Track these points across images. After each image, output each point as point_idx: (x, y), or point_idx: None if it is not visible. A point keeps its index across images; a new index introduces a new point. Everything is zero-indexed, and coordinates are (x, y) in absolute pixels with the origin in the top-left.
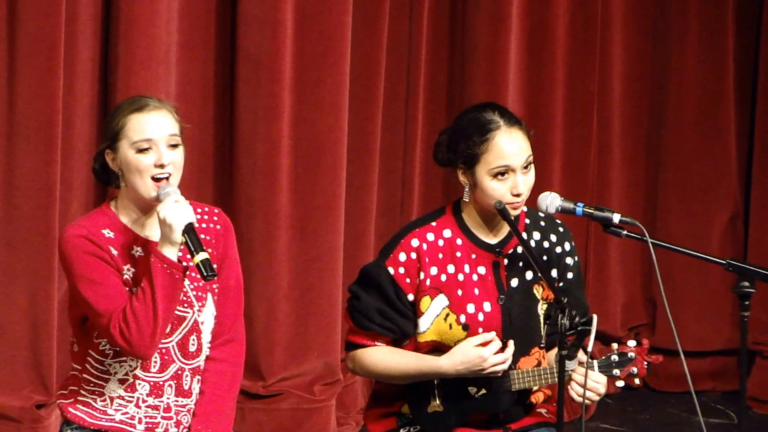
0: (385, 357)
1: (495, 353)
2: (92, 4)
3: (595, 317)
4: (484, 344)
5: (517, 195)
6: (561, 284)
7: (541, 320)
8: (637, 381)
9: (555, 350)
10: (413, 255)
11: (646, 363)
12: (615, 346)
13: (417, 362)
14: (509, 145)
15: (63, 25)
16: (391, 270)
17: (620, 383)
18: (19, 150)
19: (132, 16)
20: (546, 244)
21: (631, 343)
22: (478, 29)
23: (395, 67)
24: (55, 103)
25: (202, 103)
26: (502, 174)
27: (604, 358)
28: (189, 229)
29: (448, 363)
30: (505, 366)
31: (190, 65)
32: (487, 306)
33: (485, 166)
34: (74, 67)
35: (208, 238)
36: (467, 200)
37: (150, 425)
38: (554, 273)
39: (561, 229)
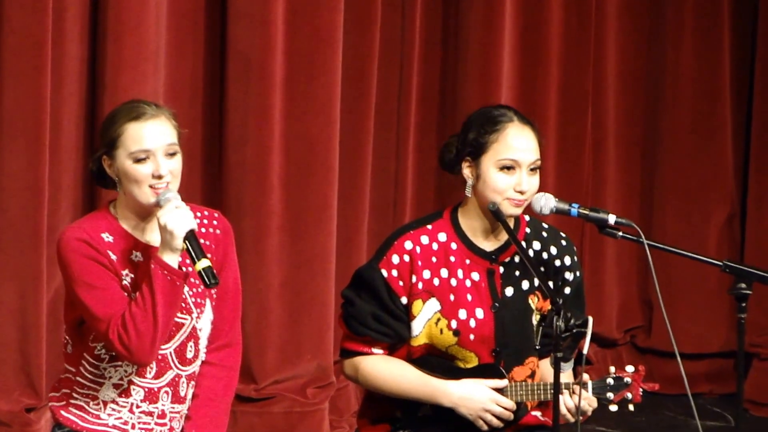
0: (385, 371)
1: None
2: (80, 2)
3: (590, 319)
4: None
5: (520, 192)
6: None
7: (535, 330)
8: (631, 407)
9: (547, 360)
10: (406, 257)
11: (641, 390)
12: (612, 369)
13: (418, 385)
14: (519, 140)
15: (50, 24)
16: (384, 272)
17: (613, 408)
18: (7, 150)
19: (120, 15)
20: (545, 255)
21: (629, 368)
22: (471, 27)
23: (388, 65)
24: (43, 102)
25: (191, 101)
26: (509, 168)
27: (599, 380)
28: (190, 236)
29: (453, 390)
30: (501, 425)
31: (179, 63)
32: (479, 313)
33: (493, 156)
34: (62, 66)
35: (207, 243)
36: (469, 195)
37: (143, 431)
38: (550, 285)
39: (564, 243)
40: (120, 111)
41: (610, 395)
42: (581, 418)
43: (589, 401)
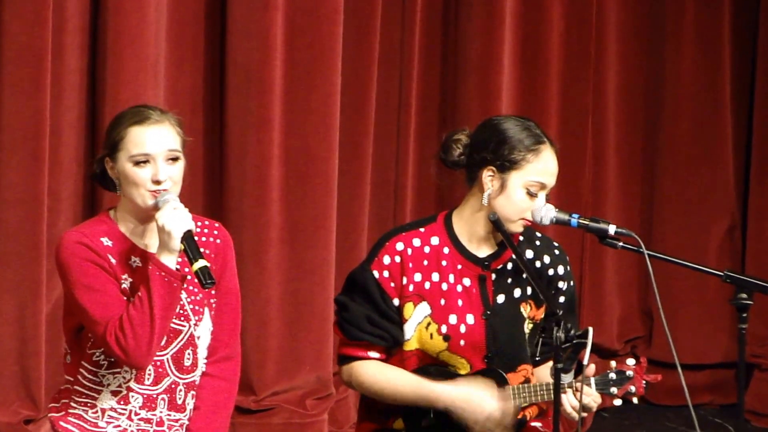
0: (380, 376)
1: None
2: (80, 15)
3: (590, 330)
4: None
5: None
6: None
7: (527, 338)
8: (635, 400)
9: (546, 365)
10: (397, 258)
11: (644, 382)
12: (613, 364)
13: (415, 387)
14: (553, 165)
15: (50, 36)
16: (376, 273)
17: (617, 402)
18: (6, 162)
19: (120, 27)
20: (538, 264)
21: (630, 361)
22: (470, 39)
23: (387, 77)
24: (43, 114)
25: (191, 113)
26: (539, 188)
27: (601, 375)
28: (188, 237)
29: (453, 391)
30: None
31: (179, 76)
32: (470, 319)
33: (525, 176)
34: (62, 79)
35: (207, 252)
36: (486, 204)
37: None
38: (549, 295)
39: (557, 252)
40: (125, 114)
41: (614, 390)
42: (585, 414)
43: (593, 397)
